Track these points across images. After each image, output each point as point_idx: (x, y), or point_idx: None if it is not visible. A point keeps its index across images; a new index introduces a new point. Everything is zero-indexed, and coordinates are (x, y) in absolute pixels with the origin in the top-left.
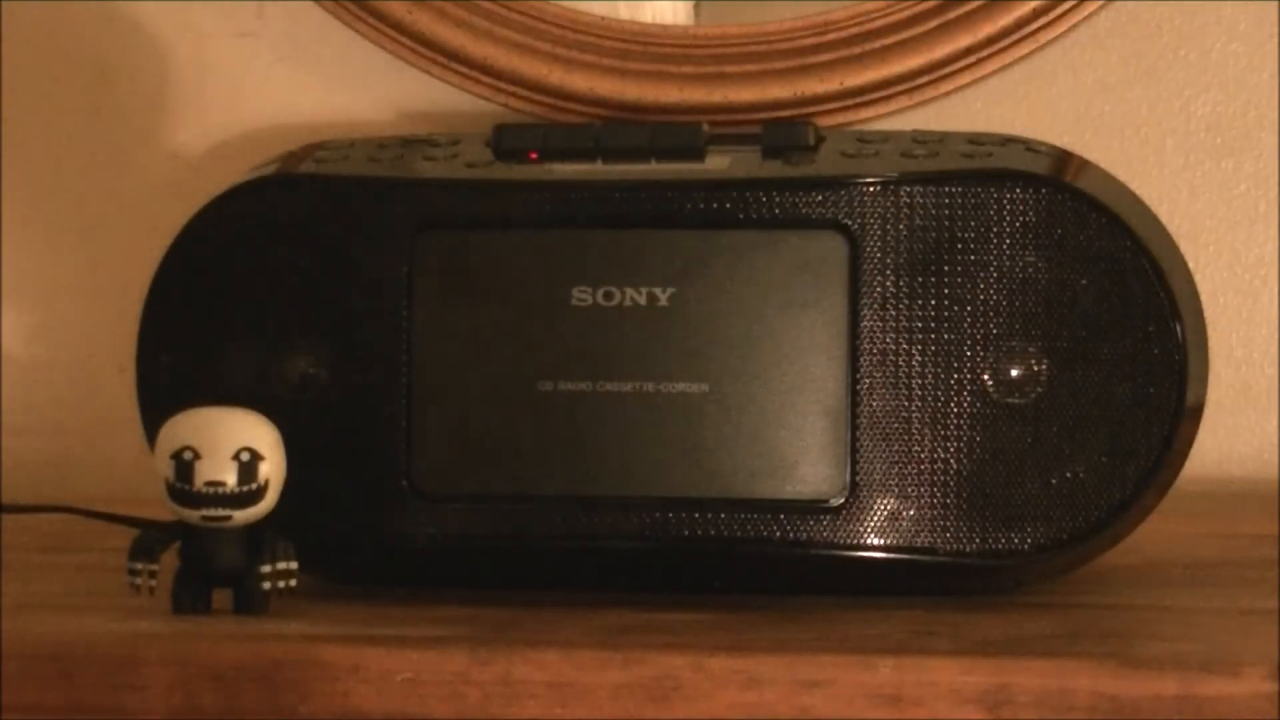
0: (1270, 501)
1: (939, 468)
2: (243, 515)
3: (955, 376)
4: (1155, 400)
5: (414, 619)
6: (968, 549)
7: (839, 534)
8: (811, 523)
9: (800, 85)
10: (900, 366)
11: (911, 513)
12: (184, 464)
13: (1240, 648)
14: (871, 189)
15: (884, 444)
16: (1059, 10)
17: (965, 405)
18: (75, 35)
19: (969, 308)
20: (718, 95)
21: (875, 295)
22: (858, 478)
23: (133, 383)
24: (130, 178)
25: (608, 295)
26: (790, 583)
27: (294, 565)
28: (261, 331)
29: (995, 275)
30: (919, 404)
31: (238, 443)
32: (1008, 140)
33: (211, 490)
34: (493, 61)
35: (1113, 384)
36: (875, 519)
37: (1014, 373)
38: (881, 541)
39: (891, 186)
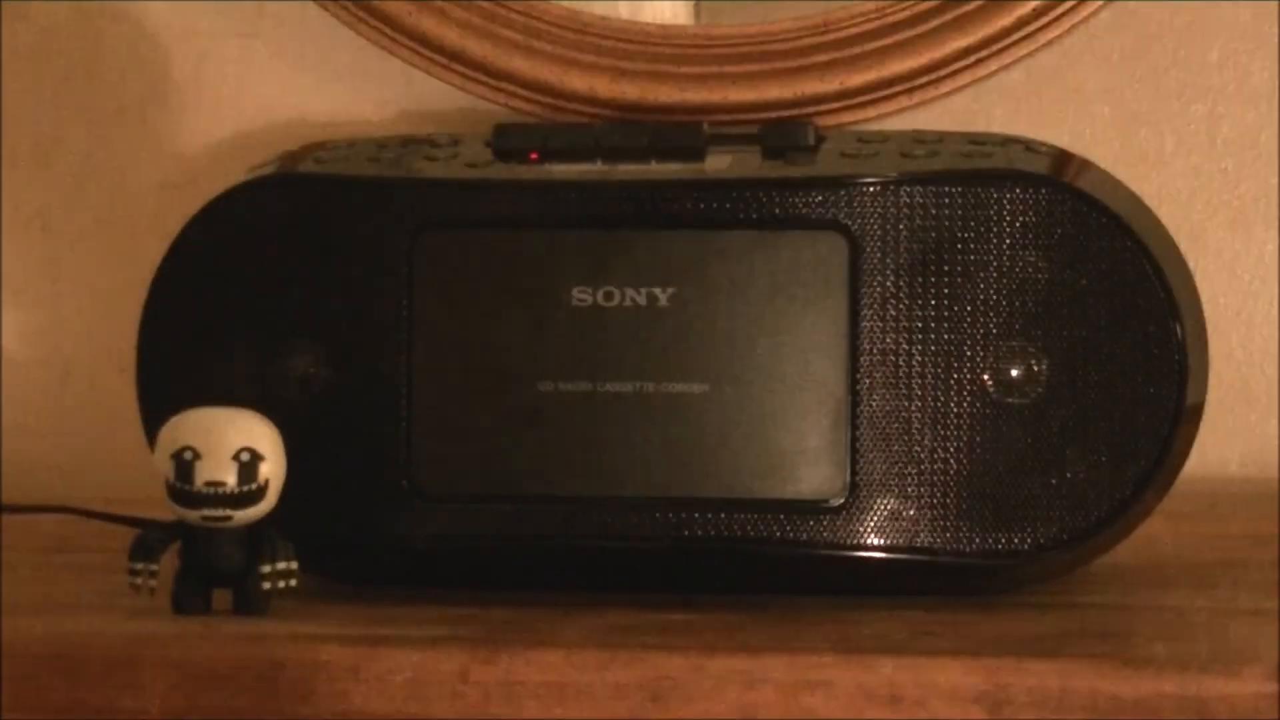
0: (1270, 501)
1: (939, 468)
2: (243, 515)
3: (955, 376)
4: (1155, 400)
5: (414, 619)
6: (968, 549)
7: (839, 534)
8: (811, 523)
9: (800, 85)
10: (900, 366)
11: (911, 513)
12: (184, 464)
13: (1240, 648)
14: (871, 189)
15: (884, 444)
16: (1059, 10)
17: (965, 405)
18: (75, 35)
19: (969, 308)
20: (718, 95)
21: (875, 295)
22: (858, 478)
23: (133, 383)
24: (130, 178)
25: (608, 295)
26: (790, 583)
27: (294, 565)
28: (261, 331)
29: (995, 275)
30: (919, 404)
31: (238, 443)
32: (1008, 140)
33: (211, 490)
34: (493, 61)
35: (1113, 384)
36: (875, 519)
37: (1014, 373)
38: (881, 541)
39: (891, 186)
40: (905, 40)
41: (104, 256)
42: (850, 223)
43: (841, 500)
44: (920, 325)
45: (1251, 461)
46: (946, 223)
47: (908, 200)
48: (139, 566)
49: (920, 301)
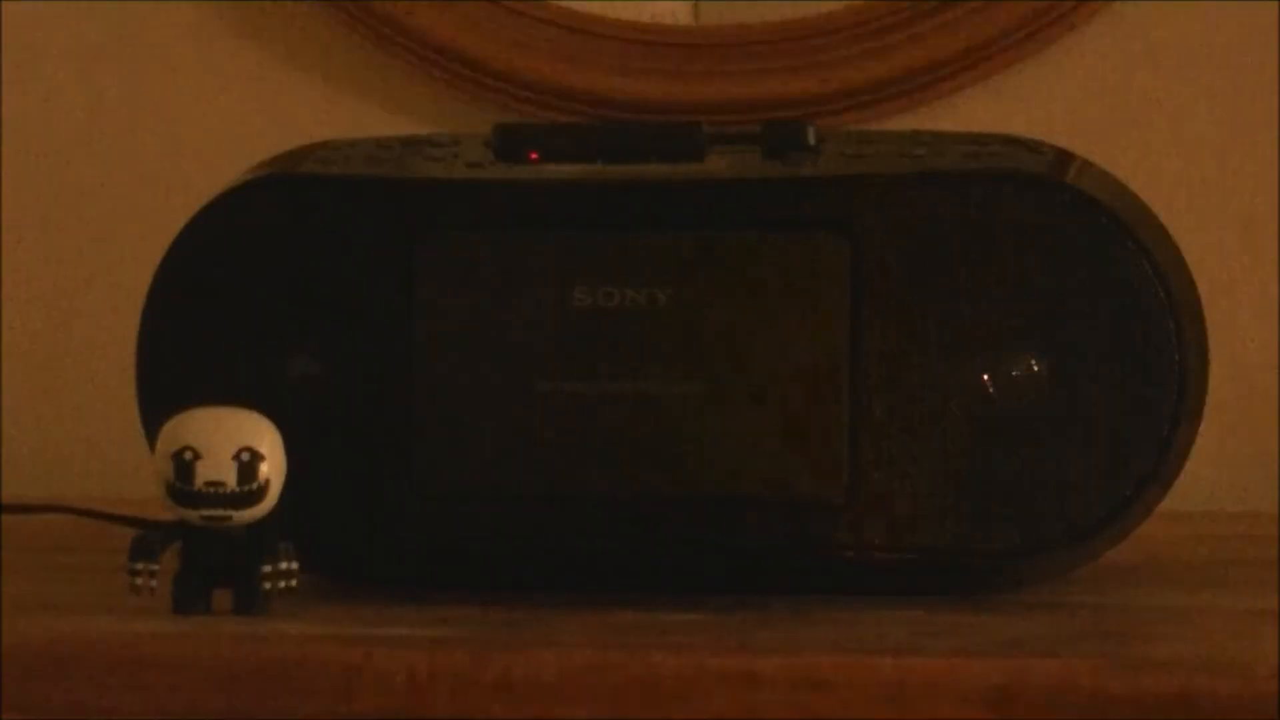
0: (1270, 502)
1: (939, 468)
2: (243, 515)
3: (955, 376)
4: (1155, 400)
5: (414, 619)
6: (968, 549)
7: (839, 534)
8: (811, 523)
9: (800, 85)
10: (900, 366)
11: (911, 513)
12: (184, 464)
13: (1240, 648)
14: (871, 189)
15: (884, 444)
16: (1059, 10)
17: (965, 405)
18: (75, 35)
19: (969, 308)
20: (718, 95)
21: (875, 295)
22: (858, 478)
23: (133, 383)
24: (130, 178)
25: (608, 295)
26: (790, 583)
27: (294, 565)
28: (261, 331)
29: (995, 275)
30: (919, 404)
31: (238, 443)
32: (1008, 140)
33: (211, 490)
34: (493, 61)
35: (1112, 385)
36: (875, 519)
37: (1014, 373)
38: (881, 541)
39: (891, 186)
40: (905, 40)
41: (104, 256)
42: (850, 223)
43: (841, 500)
44: (920, 325)
45: (1251, 462)
46: (946, 223)
47: (908, 200)
48: (139, 566)
49: (920, 301)
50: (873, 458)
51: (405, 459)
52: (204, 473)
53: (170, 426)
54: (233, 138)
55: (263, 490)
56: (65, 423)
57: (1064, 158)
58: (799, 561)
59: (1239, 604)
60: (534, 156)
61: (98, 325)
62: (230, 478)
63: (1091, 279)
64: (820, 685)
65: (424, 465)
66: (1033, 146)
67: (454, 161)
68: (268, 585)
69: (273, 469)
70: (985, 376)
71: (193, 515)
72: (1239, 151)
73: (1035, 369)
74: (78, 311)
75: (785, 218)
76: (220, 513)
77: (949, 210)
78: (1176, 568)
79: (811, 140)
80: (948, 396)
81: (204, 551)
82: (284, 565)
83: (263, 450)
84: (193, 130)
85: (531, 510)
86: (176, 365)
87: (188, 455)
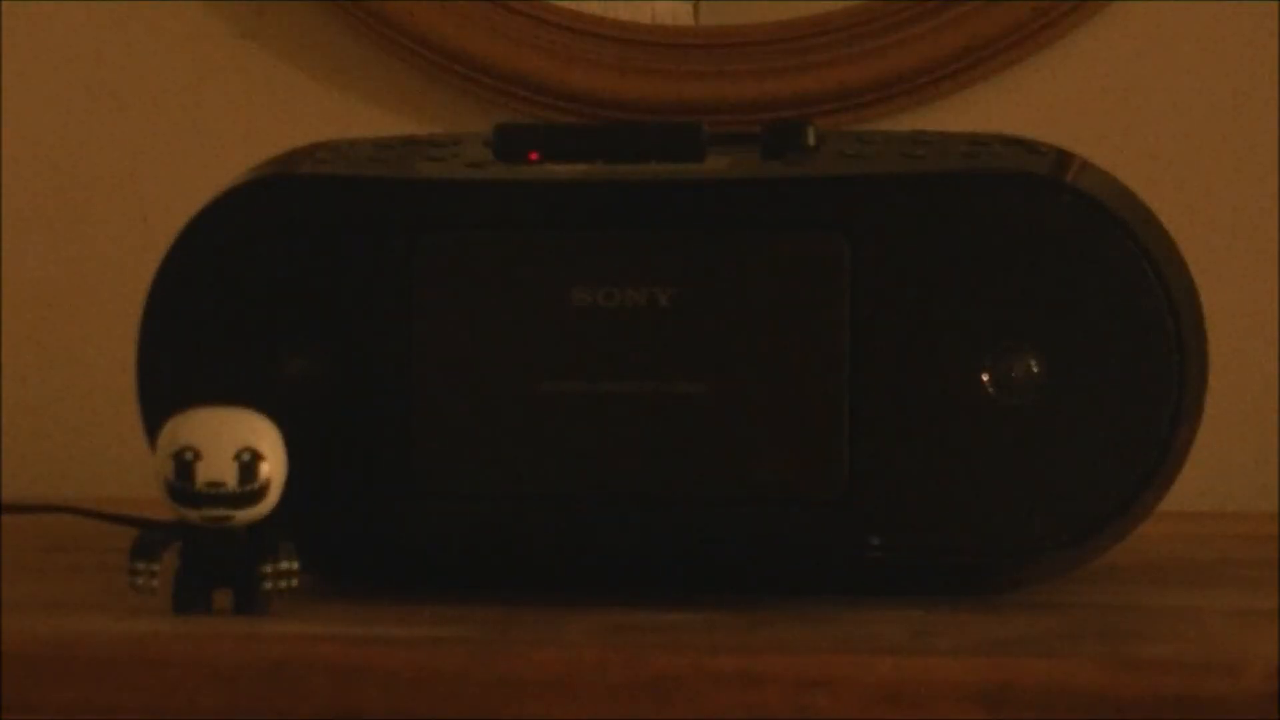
0: (1270, 501)
1: (939, 467)
2: (243, 515)
3: (955, 376)
4: (1155, 400)
5: (414, 619)
6: (967, 549)
7: (839, 533)
8: (811, 523)
9: (800, 85)
10: (900, 366)
11: (911, 513)
12: (184, 464)
13: (1240, 648)
14: (871, 189)
15: (884, 444)
16: (1059, 10)
17: (965, 405)
18: (75, 35)
19: (969, 308)
20: (718, 95)
21: (875, 295)
22: (857, 477)
23: (133, 383)
24: (130, 178)
25: (608, 295)
26: (790, 583)
27: (295, 565)
28: (262, 331)
29: (995, 275)
30: (919, 404)
31: (238, 443)
32: (1008, 140)
33: (212, 490)
34: (493, 61)
35: (1113, 384)
36: (875, 518)
37: (1014, 373)
38: (881, 541)
39: (891, 186)
40: (905, 40)
41: (104, 256)
42: (850, 223)
43: (841, 500)
44: (920, 325)
45: (1251, 462)
46: (946, 223)
47: (908, 200)
48: (140, 566)
49: (920, 301)
50: (872, 458)
51: (405, 459)
52: (204, 473)
53: (170, 426)
54: (233, 138)
55: (263, 490)
56: (65, 423)
57: (1064, 158)
58: (799, 561)
59: (1239, 604)
60: (534, 156)
61: (98, 325)
62: (231, 478)
63: (1091, 279)
64: (820, 685)
65: (424, 465)
66: (1033, 146)
67: (454, 161)
68: (268, 585)
69: (273, 469)
70: (985, 376)
71: (193, 515)
72: (1239, 151)
73: (1035, 369)
74: (78, 311)
75: (785, 218)
76: (221, 513)
77: (949, 210)
78: (1176, 568)
79: (811, 140)
80: (948, 396)
81: (204, 551)
82: (284, 565)
83: (263, 450)
84: (193, 130)
85: (531, 510)
86: (176, 365)
87: (188, 455)
